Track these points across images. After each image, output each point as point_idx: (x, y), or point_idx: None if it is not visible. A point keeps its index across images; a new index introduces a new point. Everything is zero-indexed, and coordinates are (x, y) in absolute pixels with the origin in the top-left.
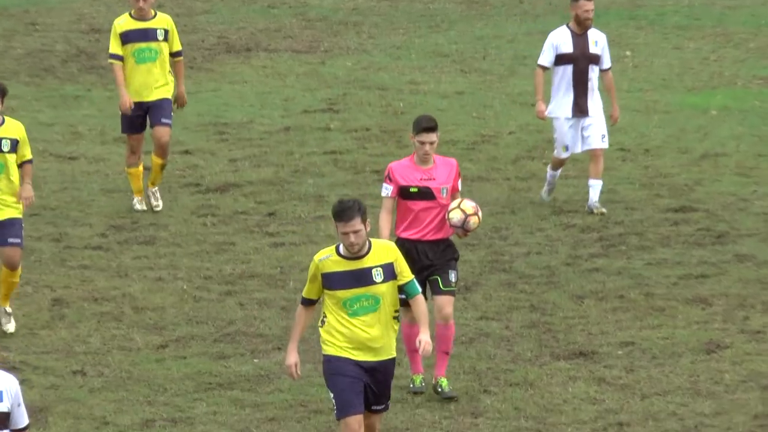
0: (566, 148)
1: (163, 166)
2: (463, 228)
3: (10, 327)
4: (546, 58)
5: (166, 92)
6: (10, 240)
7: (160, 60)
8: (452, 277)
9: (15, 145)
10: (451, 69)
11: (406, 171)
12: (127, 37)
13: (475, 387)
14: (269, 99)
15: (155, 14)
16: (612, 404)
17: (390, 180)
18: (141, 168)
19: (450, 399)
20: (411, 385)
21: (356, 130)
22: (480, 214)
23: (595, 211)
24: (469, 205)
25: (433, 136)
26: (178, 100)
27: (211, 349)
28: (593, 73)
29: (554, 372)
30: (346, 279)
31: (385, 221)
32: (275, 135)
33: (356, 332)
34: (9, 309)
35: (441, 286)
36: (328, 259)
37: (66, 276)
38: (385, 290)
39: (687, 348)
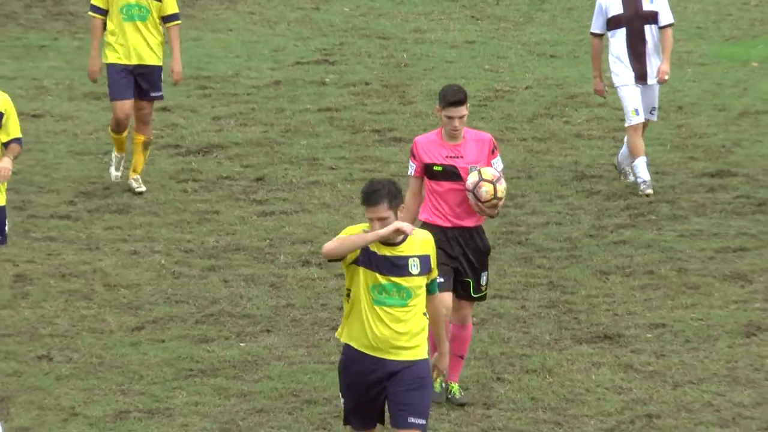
0: (636, 112)
1: (146, 144)
2: (473, 193)
3: None
4: (597, 25)
5: (156, 58)
6: None
7: (152, 20)
8: (484, 279)
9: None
10: (461, 15)
11: (431, 146)
12: None
13: (487, 374)
14: (257, 49)
15: None
16: (640, 393)
17: (414, 156)
18: (126, 133)
19: (462, 405)
20: (449, 395)
21: (354, 84)
22: (499, 186)
23: (642, 194)
24: (489, 172)
25: (462, 110)
26: (173, 75)
27: (192, 331)
28: (652, 33)
29: (575, 357)
30: (384, 263)
31: (410, 204)
32: (264, 90)
33: (379, 325)
34: None
35: (472, 293)
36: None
37: (30, 249)
38: (419, 284)
39: (724, 330)
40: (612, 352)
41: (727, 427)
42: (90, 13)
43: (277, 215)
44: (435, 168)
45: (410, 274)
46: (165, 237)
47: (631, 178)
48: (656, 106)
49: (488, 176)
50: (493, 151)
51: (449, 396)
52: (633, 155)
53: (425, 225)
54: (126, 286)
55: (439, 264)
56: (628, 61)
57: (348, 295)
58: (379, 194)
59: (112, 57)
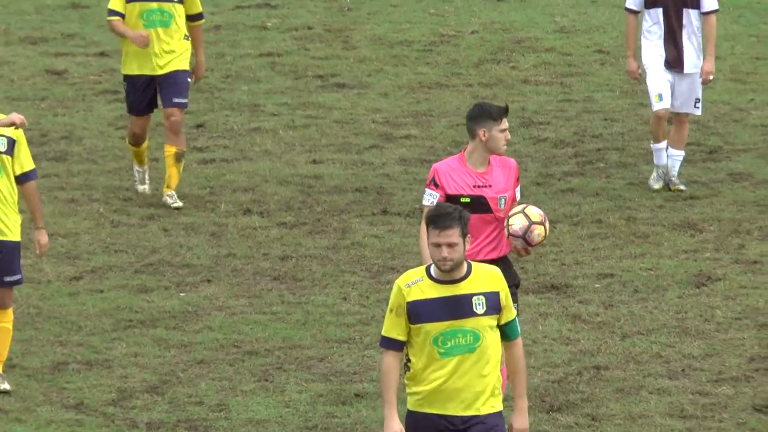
0: (659, 97)
1: (178, 157)
2: (524, 239)
3: (5, 386)
4: (633, 0)
5: (181, 63)
6: (7, 279)
7: (174, 24)
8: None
9: (12, 146)
10: None
11: (456, 175)
12: None
13: None
14: None
15: None
16: (588, 345)
17: (436, 186)
18: (146, 145)
19: None
20: None
21: (296, 28)
22: (548, 224)
23: (672, 187)
24: (535, 212)
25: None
26: (196, 72)
27: (132, 281)
28: (690, 18)
29: (522, 308)
30: (439, 308)
31: (423, 240)
32: (203, 35)
33: (449, 378)
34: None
35: None
36: (416, 284)
37: None
38: (487, 325)
39: (674, 281)
40: (559, 303)
41: (677, 379)
42: (108, 17)
43: (217, 163)
44: (462, 199)
45: (475, 314)
46: (103, 185)
47: (682, 187)
48: (699, 97)
49: (537, 217)
50: (517, 179)
51: None
52: (654, 139)
53: None
54: (64, 235)
55: None
56: (662, 43)
57: (408, 366)
58: (451, 218)
59: (130, 68)
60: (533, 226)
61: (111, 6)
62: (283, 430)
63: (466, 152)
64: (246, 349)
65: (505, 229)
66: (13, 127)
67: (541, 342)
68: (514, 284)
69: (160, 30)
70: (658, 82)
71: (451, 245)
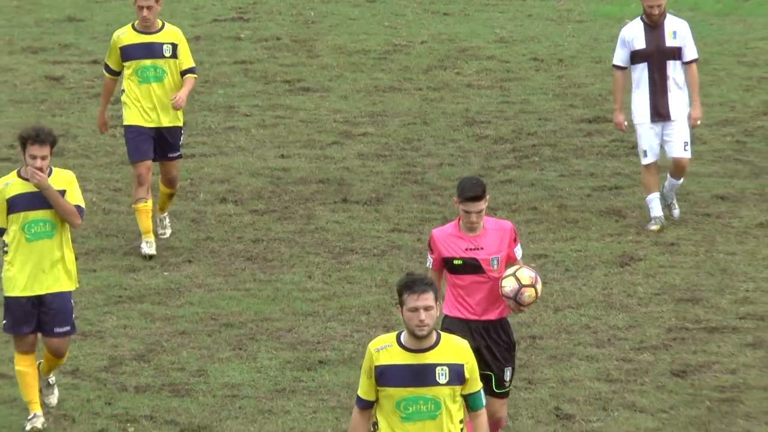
0: (645, 153)
1: (171, 195)
2: (516, 300)
3: (54, 399)
4: (619, 57)
5: (175, 119)
6: (57, 330)
7: (168, 79)
8: (507, 375)
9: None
10: None
11: (449, 240)
12: (128, 54)
13: (386, 300)
14: (178, 8)
15: (162, 26)
16: (524, 317)
17: (431, 250)
18: (150, 205)
19: None
20: None
21: (266, 39)
22: (539, 286)
23: (669, 213)
24: (526, 275)
25: (480, 205)
26: (176, 100)
27: (121, 262)
28: (673, 69)
29: None
30: (403, 374)
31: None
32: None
33: None
34: (52, 379)
35: (494, 388)
36: (385, 349)
37: None
38: (448, 394)
39: (600, 260)
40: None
41: (603, 347)
42: (104, 71)
43: (197, 157)
44: (455, 262)
45: (436, 383)
46: (96, 177)
47: (676, 212)
48: (688, 141)
49: (527, 280)
50: (515, 240)
51: None
52: (645, 191)
53: (447, 318)
54: None
55: None
56: (648, 97)
57: (375, 427)
58: (425, 283)
59: (131, 119)
60: (523, 289)
61: (106, 60)
62: (256, 393)
63: (460, 219)
64: (222, 322)
65: (500, 290)
66: (66, 175)
67: None
68: (512, 349)
69: (154, 85)
70: (646, 139)
71: (427, 308)
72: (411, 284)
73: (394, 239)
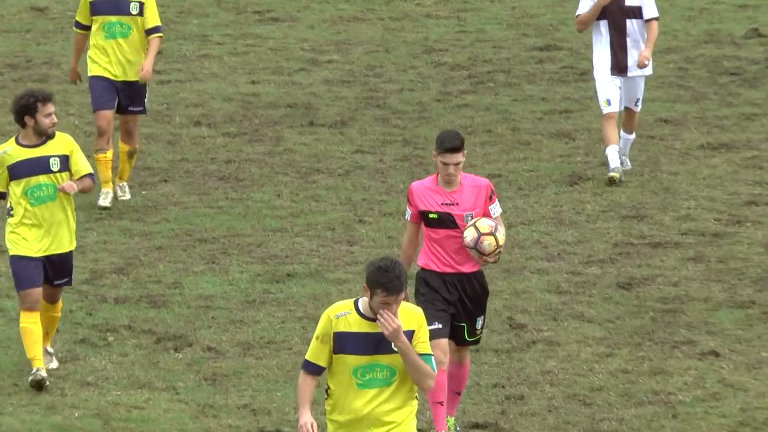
0: (608, 102)
1: (131, 154)
2: (477, 250)
3: (53, 365)
4: (582, 9)
5: (138, 73)
6: (56, 282)
7: (133, 36)
8: (479, 324)
9: (65, 163)
10: None
11: (426, 193)
12: (96, 9)
13: (350, 217)
14: None
15: None
16: None
17: (410, 203)
18: (110, 155)
19: None
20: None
21: None
22: (499, 234)
23: (622, 167)
24: (485, 224)
25: (458, 157)
26: (142, 72)
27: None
28: (632, 27)
29: None
30: (361, 342)
31: (406, 248)
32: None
33: (363, 407)
34: (51, 348)
35: (466, 337)
36: (344, 317)
37: None
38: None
39: (551, 180)
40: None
41: (554, 261)
42: (74, 27)
43: (172, 83)
44: (431, 215)
45: (393, 351)
46: (78, 102)
47: (627, 167)
48: (640, 97)
49: (486, 229)
50: (490, 197)
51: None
52: (605, 142)
53: (423, 270)
54: None
55: (437, 310)
56: (609, 52)
57: (328, 394)
58: (400, 281)
59: (95, 70)
60: (482, 237)
61: (76, 17)
62: (228, 304)
63: (438, 174)
64: (196, 237)
65: (462, 241)
66: (65, 140)
67: None
68: (484, 296)
69: (120, 40)
70: (606, 88)
71: (397, 302)
72: (388, 283)
73: (358, 160)
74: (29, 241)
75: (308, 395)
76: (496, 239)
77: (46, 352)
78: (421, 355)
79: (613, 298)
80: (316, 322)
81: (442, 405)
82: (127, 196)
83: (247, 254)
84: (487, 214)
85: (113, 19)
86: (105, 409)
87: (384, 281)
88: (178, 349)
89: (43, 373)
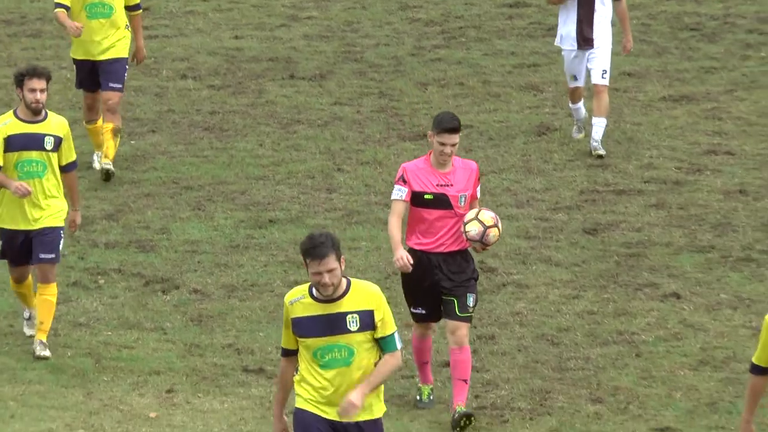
0: (574, 78)
1: (115, 132)
2: (482, 242)
3: (46, 352)
4: None
5: (120, 51)
6: (41, 256)
7: (115, 15)
8: (470, 301)
9: (58, 144)
10: None
11: (421, 174)
12: None
13: (329, 166)
14: None
15: None
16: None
17: (404, 182)
18: (99, 123)
19: (469, 416)
20: (418, 398)
21: None
22: (500, 225)
23: (594, 152)
24: (487, 216)
25: (455, 138)
26: (137, 55)
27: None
28: (601, 4)
29: (401, 152)
30: (317, 325)
31: (395, 227)
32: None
33: (327, 387)
34: (44, 341)
35: (457, 312)
36: (299, 302)
37: None
38: (360, 341)
39: (520, 130)
40: (429, 148)
41: (523, 208)
42: (55, 9)
43: (160, 38)
44: (426, 196)
45: (348, 331)
46: (69, 56)
47: (602, 151)
48: (607, 69)
49: (490, 221)
50: (477, 180)
51: (455, 416)
52: (571, 101)
53: (411, 251)
54: None
55: (423, 295)
56: (575, 26)
57: (297, 370)
58: (326, 246)
59: (76, 53)
60: (488, 230)
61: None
62: (213, 249)
63: (431, 155)
64: (183, 185)
65: (464, 235)
66: (63, 123)
67: None
68: (473, 278)
69: (102, 20)
70: (574, 65)
71: (330, 271)
72: (312, 250)
73: (336, 111)
74: (11, 215)
75: (286, 387)
76: (498, 230)
77: (40, 342)
78: (385, 336)
79: (579, 243)
80: (297, 266)
81: (427, 364)
82: (111, 166)
83: (231, 201)
84: (474, 196)
85: (96, 0)
86: (96, 349)
87: (307, 247)
88: (165, 291)
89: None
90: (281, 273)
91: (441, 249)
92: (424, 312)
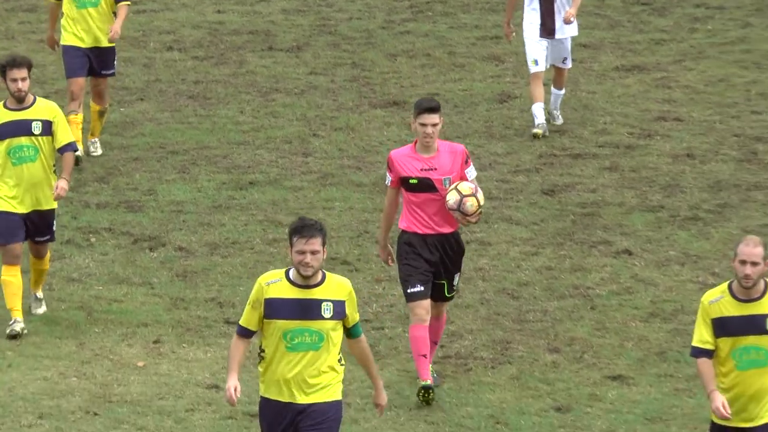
0: (535, 62)
1: (101, 113)
2: (460, 211)
3: (41, 311)
4: None
5: (108, 39)
6: (38, 238)
7: (102, 6)
8: (456, 279)
9: (48, 128)
10: None
11: (406, 160)
12: None
13: (306, 131)
14: None
15: None
16: None
17: (390, 169)
18: (80, 117)
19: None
20: (418, 394)
21: None
22: (479, 195)
23: (552, 122)
24: (465, 186)
25: (435, 118)
26: (111, 32)
27: (86, 99)
28: None
29: (372, 118)
30: (292, 308)
31: (387, 212)
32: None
33: (292, 369)
34: (40, 294)
35: (446, 294)
36: (275, 284)
37: None
38: (331, 327)
39: (483, 98)
40: (399, 115)
41: (485, 171)
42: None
43: (147, 12)
44: (411, 181)
45: (322, 317)
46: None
47: (559, 121)
48: (568, 56)
49: (467, 191)
50: (466, 161)
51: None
52: (531, 99)
53: (405, 233)
54: (36, 66)
55: (420, 273)
56: (539, 15)
57: (261, 356)
58: (315, 228)
59: (68, 39)
60: (465, 199)
61: None
62: (197, 209)
63: (417, 142)
64: (169, 149)
65: (445, 204)
66: (50, 107)
67: (385, 143)
68: (461, 254)
69: (90, 9)
70: (534, 49)
71: (314, 252)
72: (301, 229)
73: (311, 80)
74: (10, 199)
75: (237, 360)
76: (477, 200)
77: (35, 298)
78: (352, 326)
79: (538, 203)
80: (275, 225)
81: (425, 357)
82: (99, 152)
83: (214, 164)
84: (463, 178)
85: None
86: (88, 302)
87: (297, 226)
88: (152, 249)
89: (18, 327)
90: (260, 231)
91: (432, 231)
92: (421, 289)
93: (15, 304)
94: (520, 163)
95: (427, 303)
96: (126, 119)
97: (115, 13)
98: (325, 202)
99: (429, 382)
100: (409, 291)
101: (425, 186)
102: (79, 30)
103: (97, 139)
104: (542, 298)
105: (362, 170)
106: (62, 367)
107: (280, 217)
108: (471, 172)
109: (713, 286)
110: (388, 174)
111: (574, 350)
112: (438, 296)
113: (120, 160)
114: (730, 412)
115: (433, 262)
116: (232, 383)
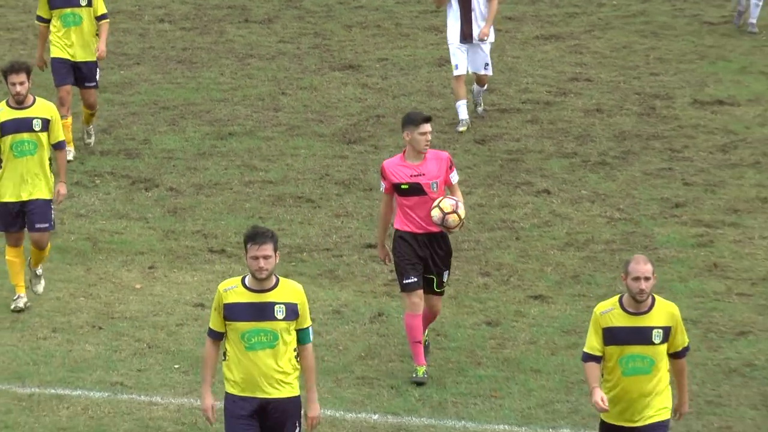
0: (456, 67)
1: (92, 114)
2: (444, 226)
3: (40, 288)
4: None
5: (92, 55)
6: (37, 226)
7: (84, 23)
8: (445, 276)
9: (47, 125)
10: None
11: (396, 168)
12: (53, 3)
13: (276, 90)
14: None
15: None
16: (372, 102)
17: (383, 177)
18: (69, 121)
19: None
20: (413, 375)
21: None
22: (460, 210)
23: (478, 108)
24: (447, 204)
25: (430, 127)
26: (98, 52)
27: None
28: (478, 3)
29: (331, 80)
30: (248, 311)
31: (383, 215)
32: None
33: (251, 367)
34: (39, 270)
35: (435, 288)
36: (232, 290)
37: None
38: (284, 328)
39: (425, 62)
40: (354, 76)
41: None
42: (36, 21)
43: None
44: (402, 186)
45: (275, 318)
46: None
47: (480, 109)
48: (488, 62)
49: (449, 208)
50: (450, 167)
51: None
52: (455, 97)
53: (398, 232)
54: (32, 48)
55: (412, 265)
56: (459, 23)
57: (225, 356)
58: (266, 236)
59: (55, 53)
60: (447, 216)
61: (38, 12)
62: (185, 156)
63: (405, 152)
64: (161, 105)
65: (431, 219)
66: (49, 107)
67: (343, 100)
68: (449, 253)
69: (74, 28)
70: (457, 56)
71: (266, 257)
72: (254, 236)
73: (281, 48)
74: (10, 189)
75: (211, 367)
76: (458, 215)
77: (35, 273)
78: (305, 327)
79: (471, 150)
80: (251, 169)
81: (420, 343)
82: (92, 140)
83: (199, 118)
84: (448, 182)
85: (67, 10)
86: (93, 234)
87: (251, 233)
88: (147, 189)
89: (22, 302)
90: (238, 174)
91: (423, 230)
92: (415, 280)
93: (19, 280)
94: (455, 116)
95: (420, 292)
96: (125, 80)
97: (97, 34)
98: (293, 149)
99: (424, 367)
100: (404, 282)
101: (415, 190)
102: (65, 46)
103: (91, 127)
104: (475, 230)
105: (324, 123)
106: (72, 288)
107: (255, 162)
108: (454, 177)
109: (619, 220)
110: (381, 182)
111: (502, 274)
112: (428, 289)
113: (120, 115)
114: (608, 407)
115: (422, 258)
116: (209, 402)
